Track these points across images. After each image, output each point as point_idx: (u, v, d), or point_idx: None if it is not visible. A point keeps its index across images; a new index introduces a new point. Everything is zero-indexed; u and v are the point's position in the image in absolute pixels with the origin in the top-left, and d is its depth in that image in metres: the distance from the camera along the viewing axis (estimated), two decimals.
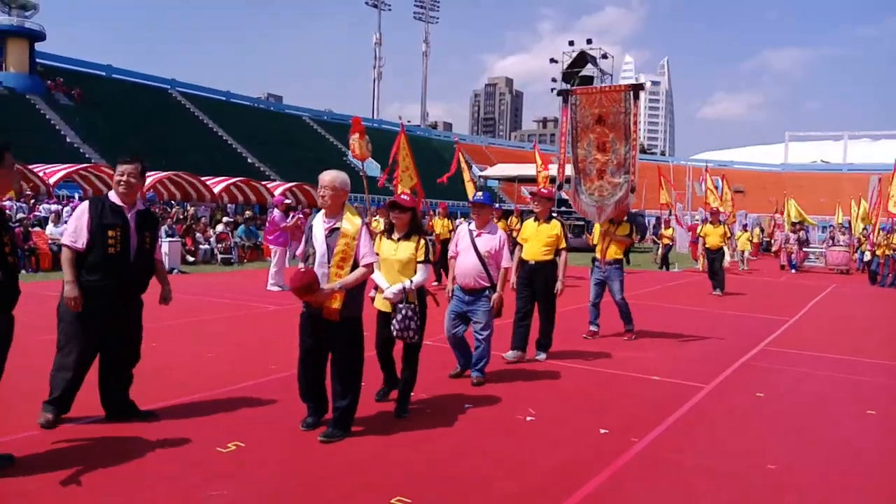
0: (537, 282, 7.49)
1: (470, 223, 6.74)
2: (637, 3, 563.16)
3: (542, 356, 7.61)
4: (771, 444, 5.18)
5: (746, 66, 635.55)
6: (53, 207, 22.55)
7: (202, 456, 4.40)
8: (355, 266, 4.76)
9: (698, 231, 15.71)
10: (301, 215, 16.32)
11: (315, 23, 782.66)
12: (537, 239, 7.54)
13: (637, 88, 8.88)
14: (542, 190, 8.10)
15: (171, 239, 16.93)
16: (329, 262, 4.73)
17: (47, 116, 53.36)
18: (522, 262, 7.62)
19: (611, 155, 8.79)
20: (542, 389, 6.50)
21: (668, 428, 5.43)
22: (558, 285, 7.44)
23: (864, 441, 5.40)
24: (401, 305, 5.18)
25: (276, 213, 14.65)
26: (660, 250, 23.93)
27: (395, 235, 5.46)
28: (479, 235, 6.52)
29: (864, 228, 27.38)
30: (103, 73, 65.53)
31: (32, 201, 23.88)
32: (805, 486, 4.40)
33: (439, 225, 15.43)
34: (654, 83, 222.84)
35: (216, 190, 36.95)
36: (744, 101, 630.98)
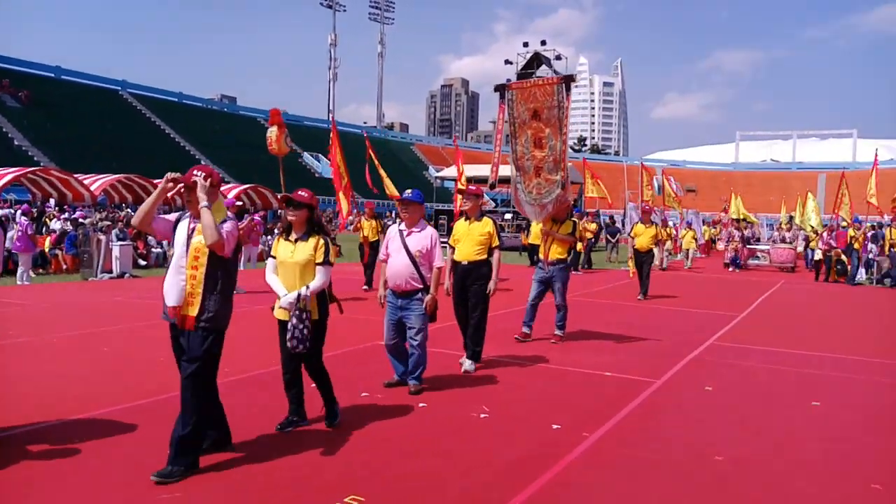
0: (470, 283, 7.18)
1: (400, 223, 6.42)
2: (590, 5, 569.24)
3: (470, 366, 7.12)
4: (718, 435, 5.32)
5: (698, 67, 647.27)
6: (1, 212, 21.91)
7: (152, 458, 4.33)
8: (216, 265, 4.26)
9: (631, 231, 14.82)
10: (257, 217, 16.18)
11: (269, 23, 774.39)
12: (469, 238, 7.23)
13: (568, 80, 8.49)
14: (471, 187, 7.76)
15: (122, 242, 16.60)
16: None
17: None
18: (455, 265, 7.29)
19: (547, 151, 8.50)
20: (496, 387, 6.56)
21: (619, 422, 5.53)
22: (491, 285, 7.13)
23: (808, 431, 5.56)
24: (293, 313, 4.77)
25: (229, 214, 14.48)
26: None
27: (294, 236, 5.01)
28: (409, 235, 6.21)
29: (823, 224, 27.58)
30: (52, 75, 63.99)
31: None
32: (749, 476, 4.52)
33: (367, 226, 14.56)
34: (608, 84, 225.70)
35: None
36: (695, 101, 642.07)
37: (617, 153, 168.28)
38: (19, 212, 18.52)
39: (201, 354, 4.20)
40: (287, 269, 4.96)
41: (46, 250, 17.60)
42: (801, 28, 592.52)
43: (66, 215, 22.81)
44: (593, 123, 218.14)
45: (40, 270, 16.52)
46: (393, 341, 6.25)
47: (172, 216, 4.47)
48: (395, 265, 6.16)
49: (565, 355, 8.04)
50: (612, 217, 31.01)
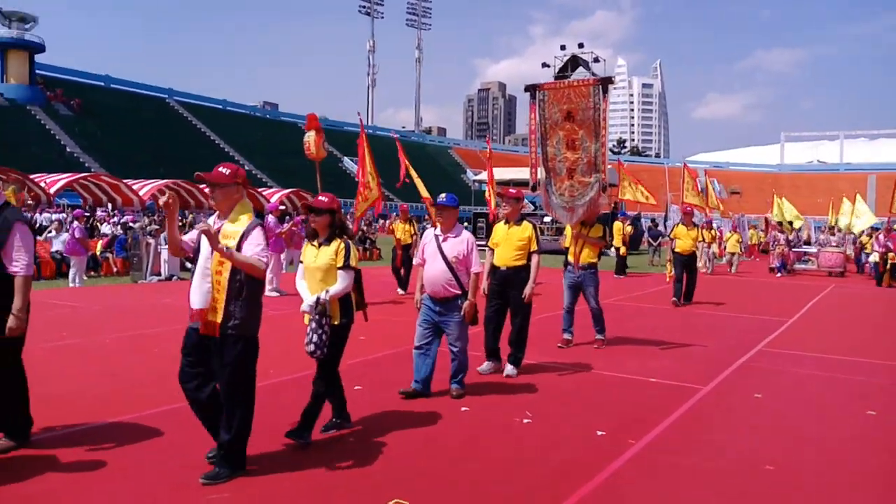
0: (510, 289, 7.03)
1: (435, 228, 6.31)
2: (628, 6, 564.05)
3: (513, 371, 7.08)
4: (769, 444, 5.19)
5: (740, 67, 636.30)
6: (54, 217, 22.53)
7: (200, 459, 4.39)
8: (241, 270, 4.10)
9: (671, 233, 13.92)
10: (298, 219, 16.31)
11: (309, 31, 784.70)
12: (508, 243, 7.08)
13: (605, 82, 8.32)
14: (511, 190, 7.57)
15: None
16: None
17: (47, 126, 53.47)
18: (494, 269, 7.16)
19: (581, 153, 8.31)
20: (539, 392, 6.51)
21: (665, 429, 5.44)
22: (526, 290, 6.95)
23: (863, 442, 5.39)
24: (312, 317, 4.67)
25: (271, 219, 14.66)
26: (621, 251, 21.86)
27: (318, 241, 4.97)
28: (444, 240, 6.08)
29: (874, 228, 26.60)
30: (102, 84, 65.74)
31: (35, 211, 23.87)
32: (802, 487, 4.40)
33: (400, 229, 14.54)
34: (647, 85, 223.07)
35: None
36: (737, 101, 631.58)
37: (658, 155, 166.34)
38: (72, 216, 19.02)
39: (232, 361, 4.08)
40: (311, 274, 4.93)
41: (98, 254, 18.02)
42: (846, 24, 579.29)
43: (116, 219, 23.34)
44: (632, 125, 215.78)
45: (92, 273, 16.91)
46: (424, 341, 6.10)
47: (194, 233, 4.33)
48: (432, 271, 6.05)
49: (609, 361, 7.95)
50: (653, 220, 30.70)
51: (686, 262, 13.53)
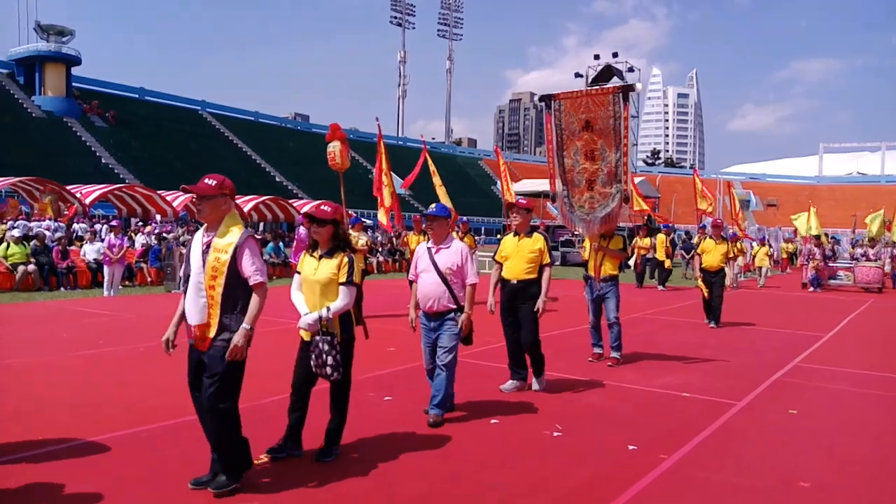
0: (520, 303, 6.80)
1: (428, 240, 6.02)
2: (662, 16, 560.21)
3: (537, 384, 6.93)
4: (804, 462, 5.09)
5: (776, 78, 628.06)
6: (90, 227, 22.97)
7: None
8: (235, 283, 4.04)
9: (698, 247, 12.74)
10: None
11: (340, 42, 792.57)
12: (519, 255, 6.83)
13: (626, 90, 8.13)
14: (521, 200, 7.35)
15: None
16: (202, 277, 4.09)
17: (83, 138, 54.54)
18: (503, 283, 6.93)
19: (600, 163, 8.10)
20: (570, 406, 6.45)
21: (698, 445, 5.36)
22: (539, 304, 6.70)
23: None
24: (317, 338, 4.53)
25: (302, 230, 14.77)
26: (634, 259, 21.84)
27: (319, 252, 4.77)
28: (437, 252, 5.81)
29: None
30: (136, 96, 66.96)
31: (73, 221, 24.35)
32: None
33: (414, 241, 14.09)
34: (683, 95, 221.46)
35: (246, 208, 37.34)
36: (774, 113, 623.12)
37: (692, 166, 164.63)
38: (106, 227, 19.39)
39: (221, 371, 3.98)
40: (310, 287, 4.71)
41: (132, 263, 18.33)
42: (885, 33, 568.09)
43: (151, 230, 23.71)
44: (667, 136, 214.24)
45: (126, 283, 17.18)
46: (431, 366, 5.86)
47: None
48: (426, 285, 5.78)
49: (640, 375, 7.86)
50: (687, 233, 30.34)
51: (713, 280, 12.18)
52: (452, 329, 5.69)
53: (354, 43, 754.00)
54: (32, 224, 21.65)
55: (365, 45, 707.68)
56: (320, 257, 4.71)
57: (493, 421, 5.80)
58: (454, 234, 12.95)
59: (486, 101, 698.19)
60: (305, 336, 4.70)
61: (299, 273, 4.83)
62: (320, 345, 4.49)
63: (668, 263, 20.54)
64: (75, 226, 23.53)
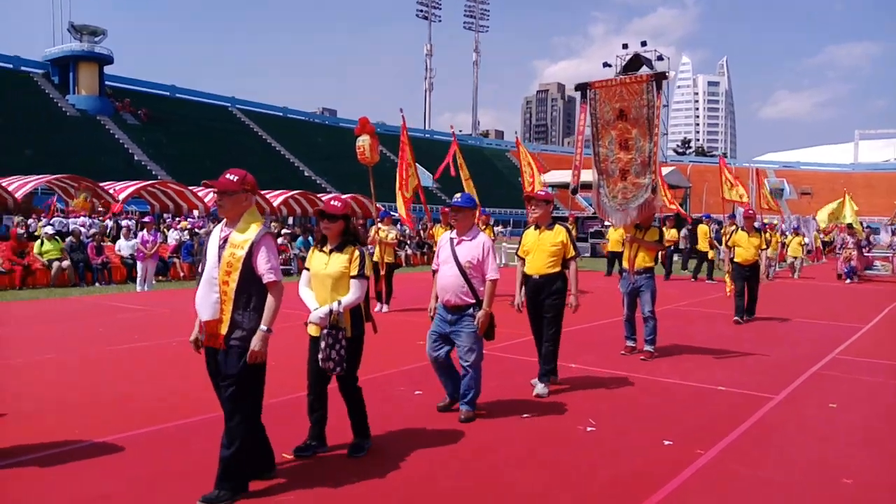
0: (544, 298, 6.55)
1: (452, 231, 5.84)
2: (691, 3, 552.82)
3: (542, 389, 6.44)
4: (845, 456, 4.96)
5: (810, 63, 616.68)
6: (123, 223, 23.30)
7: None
8: (249, 280, 3.92)
9: (728, 240, 11.87)
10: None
11: (367, 36, 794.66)
12: (540, 249, 6.59)
13: (659, 78, 7.95)
14: (539, 192, 7.07)
15: None
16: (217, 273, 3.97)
17: (116, 136, 55.34)
18: (526, 278, 6.71)
19: (634, 153, 7.96)
20: (603, 400, 6.37)
21: (735, 439, 5.25)
22: (571, 300, 6.54)
23: None
24: (324, 331, 4.44)
25: None
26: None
27: (328, 247, 4.68)
28: (459, 244, 5.63)
29: None
30: (168, 93, 67.72)
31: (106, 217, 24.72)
32: (880, 502, 4.19)
33: (440, 234, 13.70)
34: (713, 83, 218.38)
35: (275, 203, 37.64)
36: (808, 99, 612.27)
37: (724, 155, 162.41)
38: (140, 222, 19.64)
39: (236, 373, 3.88)
40: (320, 282, 4.62)
41: (166, 258, 18.55)
42: None
43: (185, 224, 23.98)
44: (698, 125, 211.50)
45: (160, 277, 17.38)
46: (435, 353, 5.65)
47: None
48: (444, 277, 5.60)
49: (675, 369, 7.74)
50: (720, 223, 29.86)
51: (747, 274, 11.51)
52: (470, 327, 5.49)
53: (381, 37, 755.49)
54: (69, 221, 21.99)
55: (391, 39, 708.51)
56: (330, 251, 4.63)
57: (524, 416, 5.75)
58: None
59: (513, 92, 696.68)
60: (314, 332, 4.62)
61: (307, 269, 4.75)
62: (327, 338, 4.40)
63: (711, 254, 20.14)
64: (107, 222, 23.86)
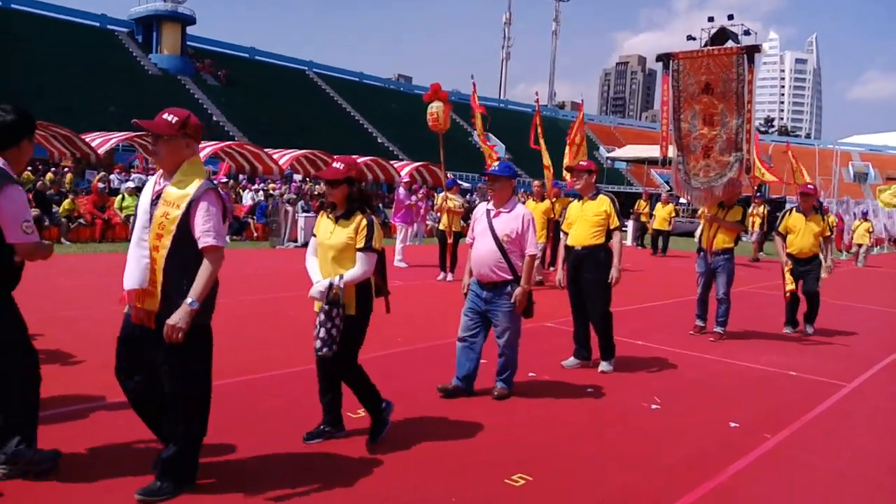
0: (586, 271, 6.30)
1: (489, 202, 5.51)
2: None
3: (607, 366, 6.35)
4: None
5: None
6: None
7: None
8: (185, 246, 3.28)
9: (780, 225, 8.88)
10: (414, 199, 16.36)
11: (445, 3, 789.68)
12: (583, 220, 6.33)
13: (752, 50, 7.52)
14: (581, 162, 6.82)
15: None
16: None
17: (196, 96, 56.70)
18: (567, 251, 6.47)
19: (719, 129, 7.64)
20: (669, 378, 6.32)
21: (804, 426, 5.15)
22: (613, 272, 6.20)
23: None
24: (323, 306, 4.03)
25: (402, 191, 14.97)
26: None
27: (335, 213, 4.25)
28: (496, 216, 5.30)
29: None
30: (247, 56, 68.85)
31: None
32: None
33: (533, 209, 13.89)
34: (801, 61, 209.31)
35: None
36: None
37: (808, 136, 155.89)
38: (216, 182, 20.20)
39: (176, 357, 3.29)
40: (323, 252, 4.21)
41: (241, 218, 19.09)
42: None
43: (258, 186, 24.55)
44: (782, 103, 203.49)
45: (235, 237, 17.91)
46: (468, 332, 5.33)
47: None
48: (480, 250, 5.28)
49: (744, 351, 7.59)
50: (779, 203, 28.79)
51: (803, 269, 8.63)
52: (507, 305, 5.20)
53: (460, 4, 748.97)
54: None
55: (470, 6, 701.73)
56: (337, 219, 4.21)
57: (588, 390, 5.75)
58: (549, 200, 12.57)
59: (591, 64, 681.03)
60: (317, 307, 4.13)
61: (315, 236, 4.33)
62: (320, 315, 4.01)
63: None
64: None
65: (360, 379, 4.31)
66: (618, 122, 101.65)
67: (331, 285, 4.00)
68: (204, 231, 3.26)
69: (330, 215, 4.24)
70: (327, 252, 4.16)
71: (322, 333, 3.96)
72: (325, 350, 3.98)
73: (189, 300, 3.21)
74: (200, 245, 3.26)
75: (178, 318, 3.19)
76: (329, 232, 4.18)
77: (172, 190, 3.31)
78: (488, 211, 5.37)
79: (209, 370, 3.49)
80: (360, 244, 4.09)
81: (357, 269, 4.08)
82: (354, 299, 4.12)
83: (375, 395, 4.35)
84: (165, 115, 3.37)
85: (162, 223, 3.26)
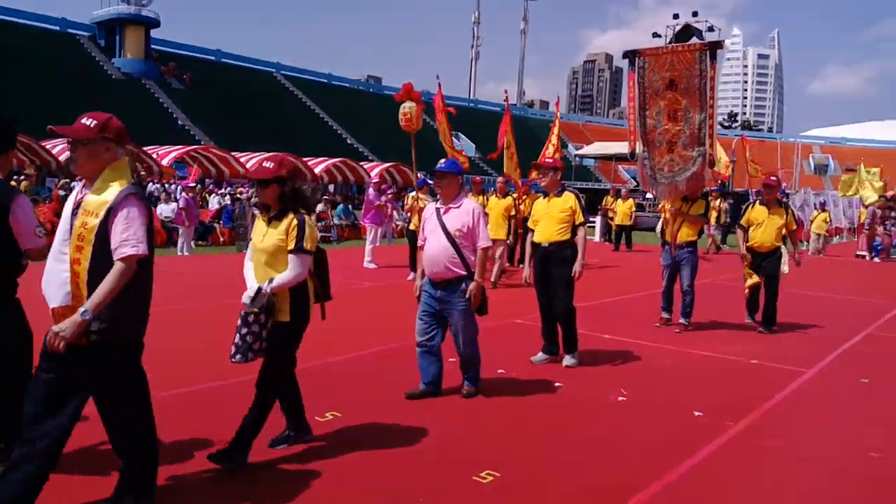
0: (553, 267, 6.39)
1: (437, 201, 5.50)
2: None
3: (571, 360, 6.44)
4: (875, 431, 4.97)
5: (864, 37, 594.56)
6: (153, 186, 23.69)
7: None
8: (106, 257, 3.00)
9: (742, 217, 8.59)
10: (384, 199, 16.32)
11: (413, 4, 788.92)
12: (549, 217, 6.42)
13: (714, 46, 7.70)
14: (548, 160, 6.78)
15: None
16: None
17: (160, 100, 56.07)
18: (534, 247, 6.56)
19: (683, 125, 7.79)
20: (635, 371, 6.43)
21: (766, 413, 5.29)
22: (576, 267, 6.27)
23: None
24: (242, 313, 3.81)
25: (371, 192, 14.97)
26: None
27: (269, 214, 4.02)
28: (446, 212, 5.25)
29: None
30: (213, 58, 68.23)
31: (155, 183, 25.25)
32: None
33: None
34: (763, 56, 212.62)
35: (317, 170, 37.96)
36: (860, 74, 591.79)
37: (770, 130, 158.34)
38: (180, 187, 20.01)
39: (108, 374, 3.08)
40: (257, 257, 3.98)
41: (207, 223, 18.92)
42: None
43: (224, 191, 24.37)
44: (745, 98, 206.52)
45: (200, 242, 17.75)
46: (425, 336, 5.25)
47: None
48: (433, 248, 5.20)
49: (707, 341, 7.75)
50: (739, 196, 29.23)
51: (764, 265, 8.40)
52: (462, 303, 5.14)
53: (428, 4, 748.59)
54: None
55: (439, 6, 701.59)
56: (269, 221, 3.97)
57: (556, 384, 5.83)
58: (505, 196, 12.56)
59: (559, 62, 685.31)
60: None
61: (251, 239, 4.12)
62: (238, 320, 3.81)
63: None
64: (150, 186, 24.33)
65: (289, 390, 4.19)
66: (586, 119, 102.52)
67: (259, 290, 3.77)
68: (122, 241, 2.98)
69: (264, 217, 4.04)
70: (260, 256, 3.95)
71: (237, 339, 3.79)
72: (238, 357, 3.80)
73: (82, 310, 2.92)
74: (116, 256, 2.97)
75: (64, 325, 2.90)
76: (262, 235, 3.97)
77: (92, 198, 3.07)
78: (438, 209, 5.33)
79: (146, 385, 3.27)
80: (291, 245, 3.86)
81: (288, 272, 3.85)
82: (288, 305, 3.90)
83: (299, 410, 4.27)
84: (84, 120, 3.16)
85: (81, 234, 3.01)
